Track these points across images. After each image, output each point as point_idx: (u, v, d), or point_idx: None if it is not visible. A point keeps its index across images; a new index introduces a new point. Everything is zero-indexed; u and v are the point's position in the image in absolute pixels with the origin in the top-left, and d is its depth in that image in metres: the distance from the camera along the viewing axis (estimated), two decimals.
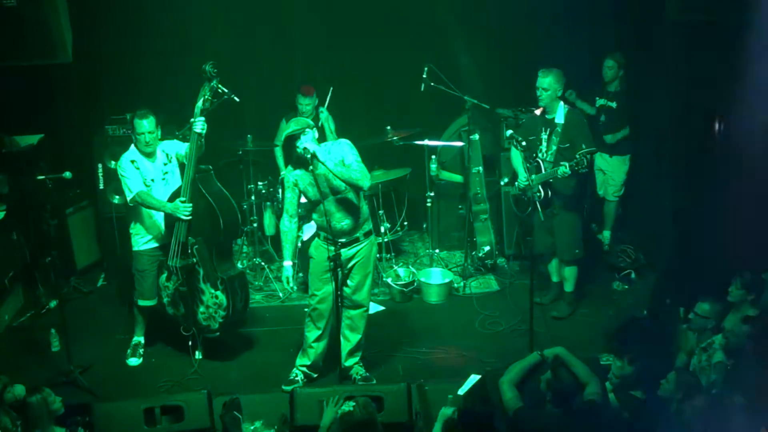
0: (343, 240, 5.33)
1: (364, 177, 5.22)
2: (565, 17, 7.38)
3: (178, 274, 5.76)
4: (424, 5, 7.58)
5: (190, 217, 5.58)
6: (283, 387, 5.61)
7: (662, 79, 6.98)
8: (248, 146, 7.09)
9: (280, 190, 6.83)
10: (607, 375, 5.04)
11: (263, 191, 7.28)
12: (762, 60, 5.65)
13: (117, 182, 6.93)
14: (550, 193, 6.17)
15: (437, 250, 7.61)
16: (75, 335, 6.04)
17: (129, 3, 7.14)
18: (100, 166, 7.21)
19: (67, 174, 5.94)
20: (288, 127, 5.28)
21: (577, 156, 5.88)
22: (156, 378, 5.85)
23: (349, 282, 5.51)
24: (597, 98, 7.33)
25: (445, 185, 7.69)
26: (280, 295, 7.00)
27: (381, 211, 7.17)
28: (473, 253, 7.40)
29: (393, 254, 7.44)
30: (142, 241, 5.92)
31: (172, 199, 5.67)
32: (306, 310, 5.68)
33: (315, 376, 5.76)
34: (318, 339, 5.65)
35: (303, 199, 5.51)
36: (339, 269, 5.17)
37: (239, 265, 7.15)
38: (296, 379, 5.71)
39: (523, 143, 5.95)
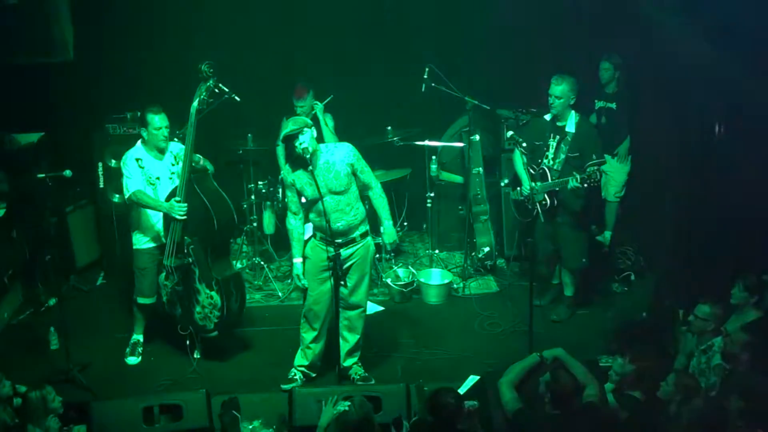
0: (340, 240, 5.32)
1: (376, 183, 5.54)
2: (564, 17, 7.37)
3: (174, 273, 5.76)
4: (425, 5, 7.58)
5: (184, 217, 5.59)
6: (282, 386, 5.61)
7: (663, 79, 6.97)
8: (249, 146, 7.10)
9: (280, 190, 6.85)
10: (607, 376, 5.05)
11: (263, 191, 7.27)
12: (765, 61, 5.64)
13: (117, 181, 6.96)
14: (555, 201, 6.13)
15: (437, 251, 7.61)
16: (74, 333, 6.03)
17: (130, 2, 7.15)
18: (100, 164, 7.22)
19: (67, 172, 5.95)
20: (286, 127, 5.28)
21: (589, 169, 5.83)
22: (155, 377, 5.85)
23: (346, 283, 5.51)
24: (596, 100, 7.31)
25: (446, 186, 7.69)
26: (280, 294, 7.00)
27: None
28: (473, 254, 7.39)
29: (393, 255, 7.44)
30: (143, 240, 5.92)
31: (168, 198, 5.67)
32: (302, 309, 5.68)
33: (314, 375, 5.76)
34: (315, 340, 5.65)
35: (302, 199, 5.51)
36: (338, 269, 5.17)
37: (238, 265, 7.17)
38: (295, 378, 5.70)
39: (524, 144, 5.92)
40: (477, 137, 7.16)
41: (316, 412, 4.70)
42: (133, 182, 5.69)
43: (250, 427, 5.05)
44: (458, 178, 7.67)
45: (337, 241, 5.27)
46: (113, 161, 7.11)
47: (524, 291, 6.02)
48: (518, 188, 6.36)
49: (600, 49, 7.24)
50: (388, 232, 5.59)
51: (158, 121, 5.65)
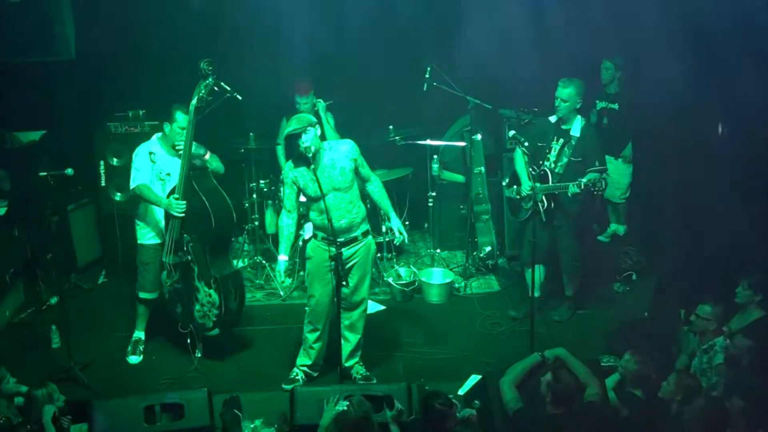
0: (342, 239, 5.31)
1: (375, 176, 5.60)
2: (565, 17, 7.36)
3: (173, 270, 5.77)
4: (426, 5, 7.57)
5: (183, 215, 5.59)
6: (284, 386, 5.61)
7: (664, 79, 6.96)
8: (250, 144, 7.10)
9: (281, 189, 6.84)
10: (608, 377, 5.05)
11: (265, 189, 7.27)
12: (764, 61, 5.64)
13: (119, 179, 6.98)
14: (553, 204, 6.04)
15: (438, 250, 7.61)
16: (75, 332, 6.04)
17: (132, 0, 7.14)
18: (102, 162, 7.20)
19: (69, 171, 5.94)
20: (289, 125, 5.27)
21: (589, 174, 5.79)
22: (156, 375, 5.85)
23: (348, 282, 5.50)
24: (597, 101, 7.30)
25: (447, 185, 7.69)
26: (281, 293, 7.00)
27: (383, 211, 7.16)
28: (474, 253, 7.39)
29: (394, 254, 7.44)
30: (148, 235, 5.94)
31: (168, 196, 5.67)
32: (306, 309, 5.68)
33: (315, 375, 5.76)
34: (318, 339, 5.66)
35: (303, 198, 5.51)
36: (340, 268, 5.16)
37: (239, 264, 7.16)
38: (296, 378, 5.71)
39: (526, 144, 5.88)
40: (479, 136, 7.16)
41: (317, 411, 4.71)
42: (140, 175, 5.71)
43: (252, 425, 5.06)
44: (460, 178, 7.67)
45: (339, 239, 5.26)
46: (115, 159, 7.11)
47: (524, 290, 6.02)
48: (515, 186, 6.33)
49: (600, 50, 7.24)
50: (399, 230, 5.55)
51: (184, 120, 5.65)
